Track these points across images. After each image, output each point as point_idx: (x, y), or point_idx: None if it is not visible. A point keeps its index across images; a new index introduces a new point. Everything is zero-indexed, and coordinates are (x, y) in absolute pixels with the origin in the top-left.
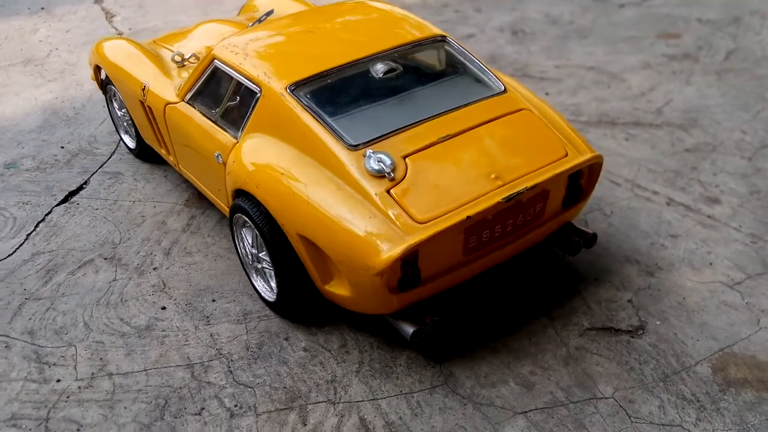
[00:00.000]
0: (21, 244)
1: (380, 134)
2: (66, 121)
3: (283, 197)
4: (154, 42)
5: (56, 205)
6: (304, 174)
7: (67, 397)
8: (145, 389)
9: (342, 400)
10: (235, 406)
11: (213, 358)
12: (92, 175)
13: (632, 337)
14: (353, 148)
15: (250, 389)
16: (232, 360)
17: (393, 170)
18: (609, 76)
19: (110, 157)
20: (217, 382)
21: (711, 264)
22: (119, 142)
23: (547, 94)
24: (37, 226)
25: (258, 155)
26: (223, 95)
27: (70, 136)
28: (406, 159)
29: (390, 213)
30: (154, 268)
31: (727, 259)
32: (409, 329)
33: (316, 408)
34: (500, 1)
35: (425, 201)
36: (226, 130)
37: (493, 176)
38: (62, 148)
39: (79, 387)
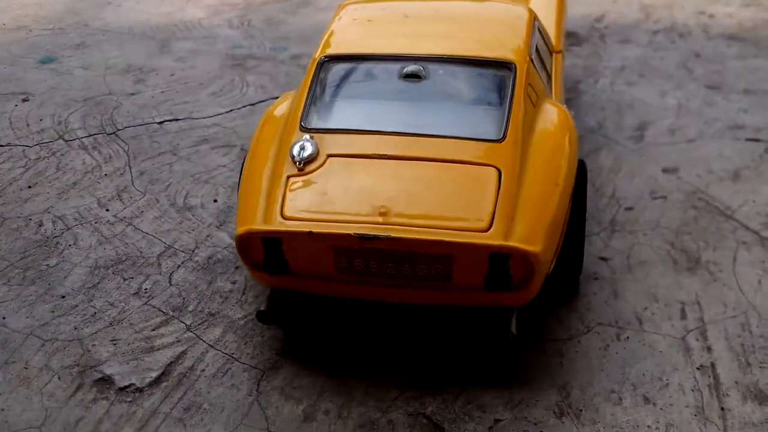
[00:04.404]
0: None
1: (334, 127)
2: None
3: (252, 142)
4: None
5: None
6: (271, 130)
7: None
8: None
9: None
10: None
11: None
12: None
13: None
14: (302, 128)
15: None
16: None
17: (305, 161)
18: None
19: None
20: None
21: None
22: None
23: None
24: None
25: (279, 108)
26: None
27: None
28: (329, 158)
29: (278, 196)
30: None
31: None
32: (262, 306)
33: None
34: None
35: (304, 201)
36: None
37: (381, 210)
38: None
39: None
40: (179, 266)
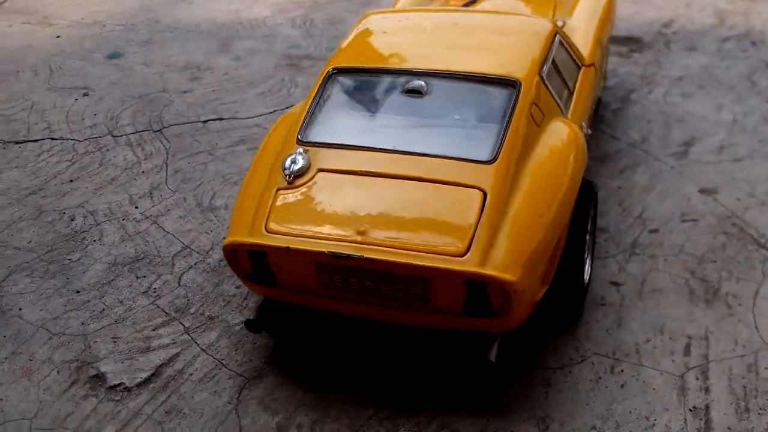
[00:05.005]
0: None
1: (328, 142)
2: None
3: (258, 150)
4: None
5: None
6: (277, 139)
7: None
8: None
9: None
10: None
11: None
12: None
13: None
14: (298, 141)
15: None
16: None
17: (295, 175)
18: None
19: None
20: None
21: None
22: None
23: None
24: None
25: (290, 117)
26: None
27: None
28: (319, 173)
29: (266, 209)
30: None
31: None
32: (252, 316)
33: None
34: None
35: (288, 215)
36: None
37: (361, 229)
38: None
39: None
40: (191, 267)
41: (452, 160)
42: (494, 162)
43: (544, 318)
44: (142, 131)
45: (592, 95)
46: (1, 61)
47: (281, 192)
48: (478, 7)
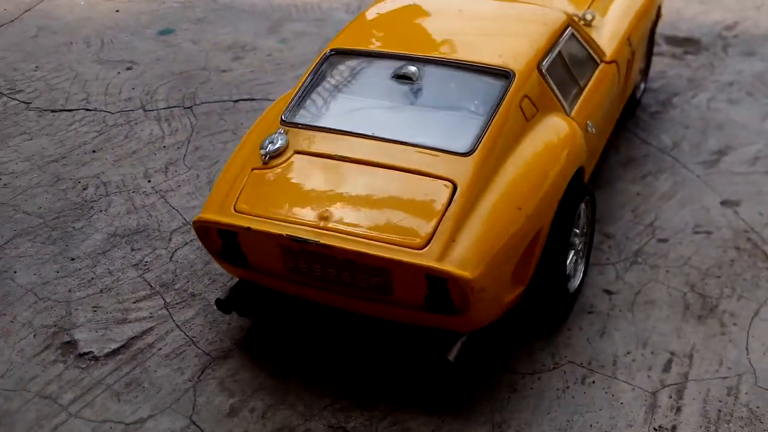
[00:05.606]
0: None
1: (310, 123)
2: None
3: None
4: None
5: None
6: (269, 118)
7: None
8: None
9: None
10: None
11: None
12: None
13: None
14: (281, 122)
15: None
16: None
17: (271, 155)
18: None
19: None
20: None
21: None
22: None
23: None
24: None
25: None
26: None
27: None
28: (295, 155)
29: (239, 188)
30: None
31: None
32: (222, 296)
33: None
34: None
35: (258, 195)
36: None
37: (324, 214)
38: None
39: None
40: (187, 244)
41: (429, 150)
42: (470, 155)
43: (525, 320)
44: (174, 107)
45: (610, 94)
46: (58, 31)
47: (256, 172)
48: None
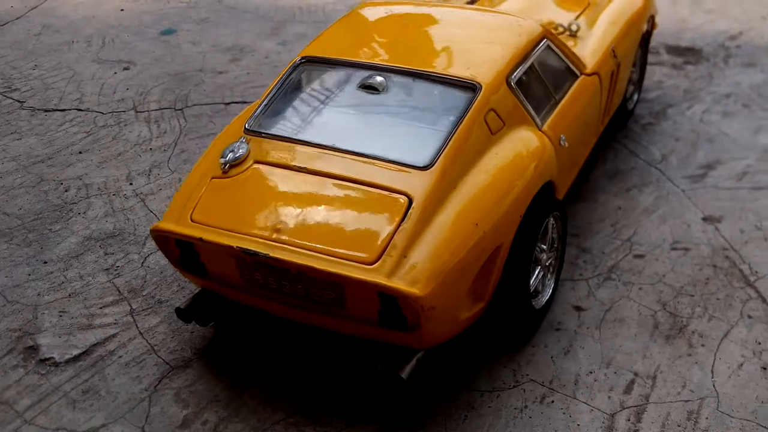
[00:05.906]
0: None
1: (272, 133)
2: None
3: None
4: None
5: None
6: (236, 126)
7: None
8: None
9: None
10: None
11: None
12: None
13: None
14: (245, 130)
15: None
16: None
17: (230, 164)
18: None
19: None
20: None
21: None
22: None
23: None
24: None
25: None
26: None
27: None
28: (255, 164)
29: (197, 197)
30: None
31: None
32: (183, 305)
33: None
34: None
35: (214, 205)
36: None
37: (278, 226)
38: None
39: None
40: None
41: (387, 163)
42: (429, 168)
43: (490, 337)
44: (165, 109)
45: (591, 107)
46: (61, 29)
47: (215, 181)
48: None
